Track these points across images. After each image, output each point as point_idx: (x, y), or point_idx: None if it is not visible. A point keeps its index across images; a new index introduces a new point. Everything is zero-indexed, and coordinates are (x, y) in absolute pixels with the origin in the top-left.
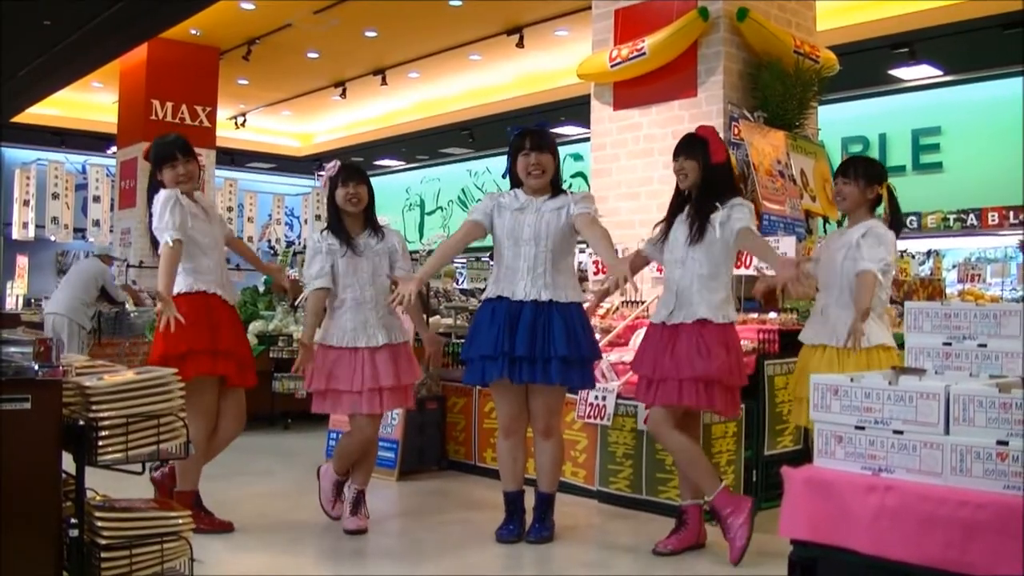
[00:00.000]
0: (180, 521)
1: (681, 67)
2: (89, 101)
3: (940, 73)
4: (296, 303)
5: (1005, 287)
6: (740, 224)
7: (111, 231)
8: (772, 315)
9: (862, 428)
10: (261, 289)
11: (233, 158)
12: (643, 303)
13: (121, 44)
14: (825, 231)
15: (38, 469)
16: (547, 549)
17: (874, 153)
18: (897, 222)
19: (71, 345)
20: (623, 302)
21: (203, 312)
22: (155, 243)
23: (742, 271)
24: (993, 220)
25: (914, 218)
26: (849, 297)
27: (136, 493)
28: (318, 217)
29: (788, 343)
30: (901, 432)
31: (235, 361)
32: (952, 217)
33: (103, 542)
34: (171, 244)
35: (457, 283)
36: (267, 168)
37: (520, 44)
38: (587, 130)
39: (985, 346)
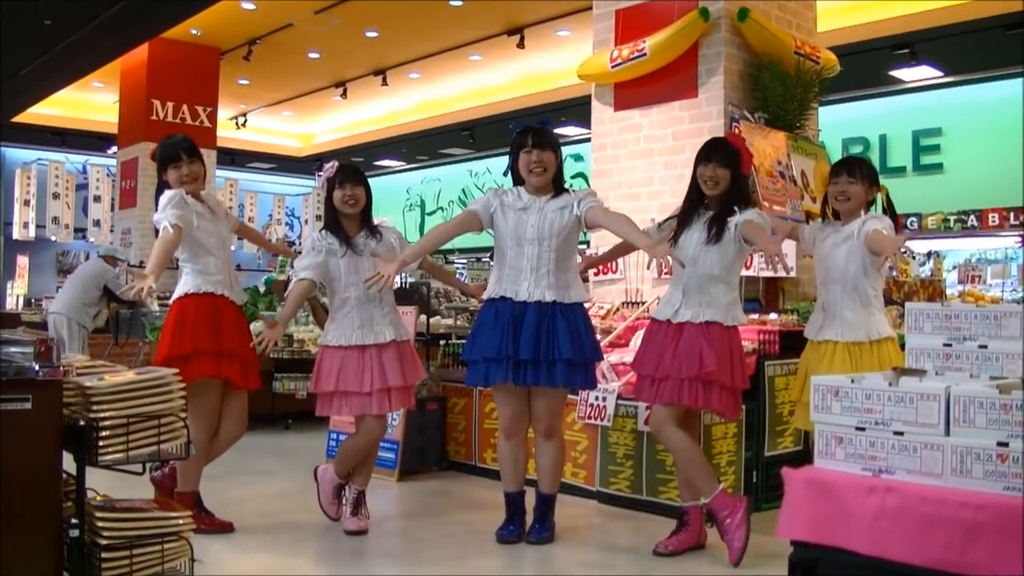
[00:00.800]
0: (181, 521)
1: (682, 68)
2: (90, 101)
3: (941, 74)
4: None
5: (1006, 288)
6: (746, 218)
7: (112, 231)
8: (773, 316)
9: (862, 429)
10: (262, 289)
11: (234, 158)
12: (643, 304)
13: (122, 44)
14: None
15: (38, 469)
16: (547, 550)
17: (875, 154)
18: (895, 225)
19: (71, 344)
20: (623, 303)
21: (210, 314)
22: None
23: (744, 272)
24: (993, 221)
25: (914, 219)
26: (854, 292)
27: (137, 493)
28: (318, 217)
29: (789, 344)
30: (901, 433)
31: (239, 363)
32: (952, 218)
33: (103, 542)
34: (170, 230)
35: None
36: (268, 168)
37: (521, 44)
38: (588, 131)
39: (986, 347)
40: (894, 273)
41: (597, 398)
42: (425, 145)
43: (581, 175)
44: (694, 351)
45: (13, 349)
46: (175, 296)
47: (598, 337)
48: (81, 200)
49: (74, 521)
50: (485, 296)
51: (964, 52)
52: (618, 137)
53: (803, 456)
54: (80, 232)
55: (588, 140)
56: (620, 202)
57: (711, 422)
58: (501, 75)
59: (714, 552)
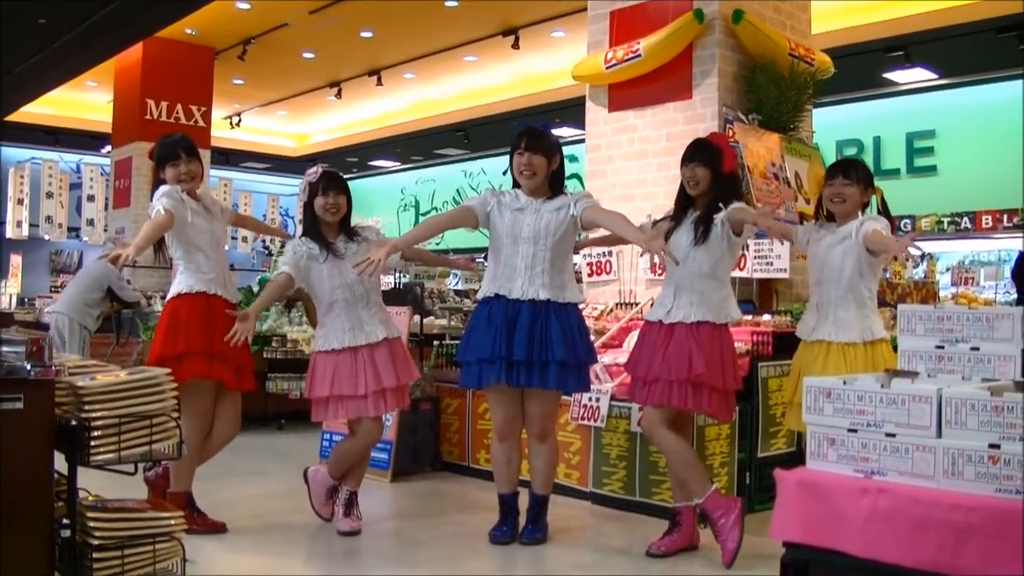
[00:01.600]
0: (172, 522)
1: (676, 69)
2: (84, 100)
3: (935, 76)
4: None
5: (999, 290)
6: (732, 207)
7: (105, 230)
8: (766, 317)
9: (854, 431)
10: (255, 289)
11: (228, 158)
12: (636, 305)
13: (116, 43)
14: None
15: (30, 469)
16: (540, 551)
17: (868, 156)
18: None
19: (72, 344)
20: (617, 304)
21: (203, 314)
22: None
23: (737, 273)
24: (987, 223)
25: (908, 221)
26: (849, 293)
27: (129, 493)
28: None
29: (782, 345)
30: (893, 435)
31: (232, 364)
32: (946, 220)
33: (95, 542)
34: (162, 212)
35: (451, 284)
36: (262, 168)
37: (516, 45)
38: (582, 132)
39: (978, 349)
40: (888, 275)
41: (590, 399)
42: (420, 145)
43: (576, 176)
44: (683, 353)
45: (5, 348)
46: (169, 296)
47: (591, 338)
48: (75, 199)
49: (66, 521)
50: (479, 295)
51: (958, 55)
52: (612, 138)
53: (796, 457)
54: (74, 231)
55: (582, 141)
56: (614, 203)
57: (704, 423)
58: (496, 76)
59: (707, 553)
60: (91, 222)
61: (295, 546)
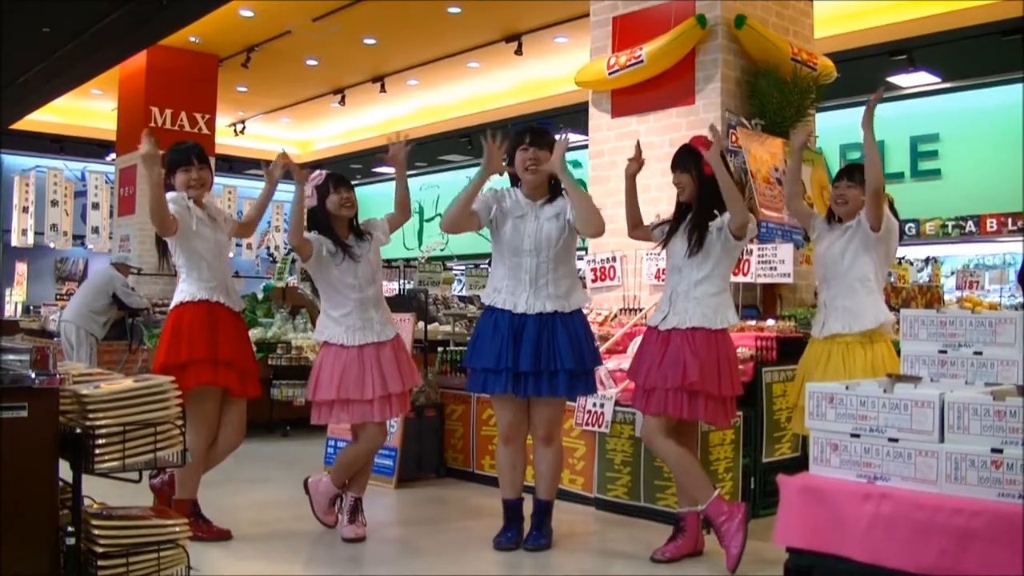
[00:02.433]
0: (177, 529)
1: (679, 75)
2: (88, 108)
3: (938, 80)
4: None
5: (1003, 294)
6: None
7: (110, 238)
8: (770, 322)
9: (857, 436)
10: (260, 296)
11: (232, 165)
12: (640, 310)
13: (120, 51)
14: None
15: (35, 477)
16: (545, 556)
17: None
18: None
19: (80, 352)
20: (621, 310)
21: (206, 322)
22: (159, 243)
23: (740, 278)
24: (991, 227)
25: (912, 225)
26: (854, 281)
27: (133, 501)
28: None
29: (786, 350)
30: (896, 440)
31: (237, 372)
32: (950, 224)
33: (100, 550)
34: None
35: (455, 290)
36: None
37: (519, 51)
38: (585, 137)
39: (981, 354)
40: (893, 279)
41: (595, 405)
42: (423, 152)
43: (579, 182)
44: (678, 361)
45: (10, 357)
46: (172, 304)
47: (596, 343)
48: (79, 207)
49: (70, 529)
50: (484, 300)
51: (961, 58)
52: (615, 144)
53: (801, 462)
54: (79, 239)
55: (586, 147)
56: (617, 208)
57: (708, 429)
58: (499, 82)
59: (711, 559)
60: (96, 230)
61: (299, 553)
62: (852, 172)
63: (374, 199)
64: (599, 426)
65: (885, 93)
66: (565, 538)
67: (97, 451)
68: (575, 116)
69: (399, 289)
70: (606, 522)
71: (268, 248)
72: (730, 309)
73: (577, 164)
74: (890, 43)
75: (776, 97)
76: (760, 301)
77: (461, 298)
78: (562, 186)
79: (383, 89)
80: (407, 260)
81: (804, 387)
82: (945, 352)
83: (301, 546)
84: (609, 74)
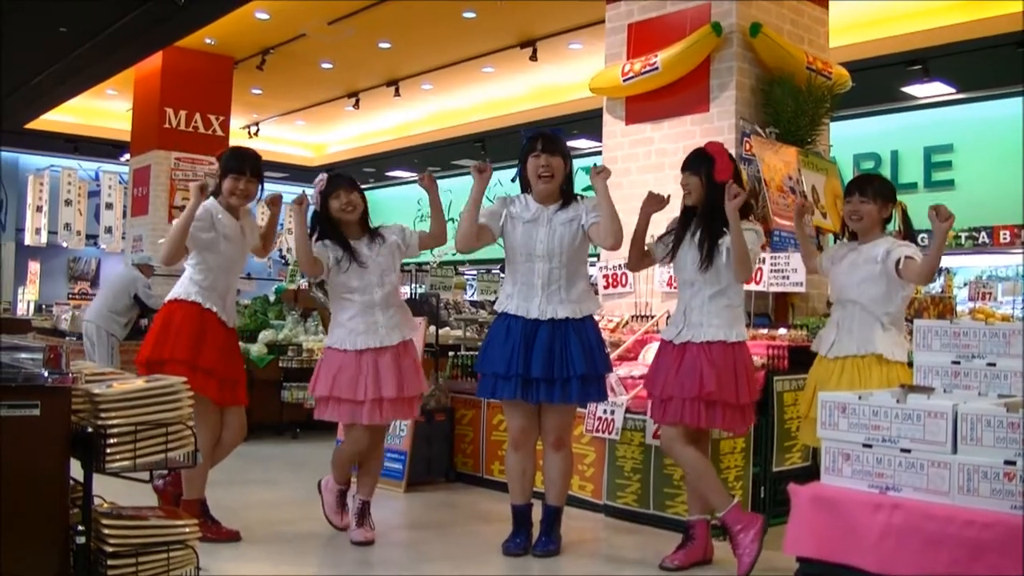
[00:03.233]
0: (187, 530)
1: (693, 82)
2: (103, 108)
3: (953, 91)
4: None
5: (1016, 305)
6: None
7: (123, 238)
8: (782, 331)
9: (869, 446)
10: (272, 298)
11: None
12: (652, 317)
13: (136, 52)
14: None
15: (46, 475)
16: (554, 563)
17: (886, 170)
18: (911, 241)
19: (100, 352)
20: (632, 316)
21: (195, 325)
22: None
23: (752, 287)
24: (1005, 238)
25: (925, 235)
26: (872, 314)
27: (144, 501)
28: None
29: (797, 359)
30: (908, 450)
31: (216, 380)
32: (964, 235)
33: (110, 549)
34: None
35: (467, 294)
36: (280, 178)
37: (533, 57)
38: (599, 144)
39: (994, 365)
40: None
41: (605, 411)
42: (437, 156)
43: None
44: (695, 371)
45: (23, 355)
46: (167, 298)
47: (607, 350)
48: (93, 207)
49: (80, 528)
50: (497, 307)
51: (976, 69)
52: (629, 151)
53: (811, 472)
54: (92, 239)
55: (599, 153)
56: (631, 216)
57: (719, 436)
58: (513, 87)
59: (721, 567)
60: (109, 230)
61: (307, 555)
62: (864, 186)
63: (387, 203)
64: (609, 433)
65: (899, 103)
66: (574, 545)
67: (108, 450)
68: (589, 122)
69: (411, 293)
70: (615, 529)
71: (280, 250)
72: (743, 326)
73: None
74: (905, 53)
75: (791, 105)
76: (772, 310)
77: (472, 303)
78: (580, 193)
79: (397, 93)
80: (419, 264)
81: (816, 398)
82: (958, 363)
83: (310, 548)
84: (624, 81)
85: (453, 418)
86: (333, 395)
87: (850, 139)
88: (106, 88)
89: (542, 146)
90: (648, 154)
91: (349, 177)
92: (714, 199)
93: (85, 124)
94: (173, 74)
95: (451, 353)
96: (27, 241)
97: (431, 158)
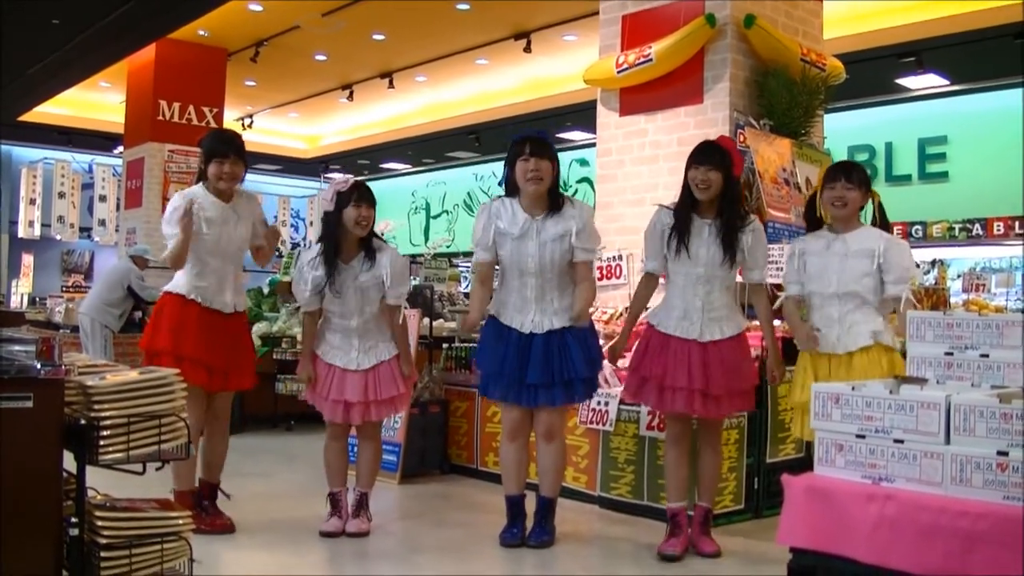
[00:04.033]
0: (180, 521)
1: (687, 74)
2: (96, 101)
3: (947, 82)
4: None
5: (1010, 297)
6: (757, 278)
7: (117, 230)
8: (776, 323)
9: (863, 437)
10: (265, 291)
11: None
12: (646, 309)
13: (129, 44)
14: None
15: (39, 468)
16: (548, 554)
17: (880, 162)
18: (887, 230)
19: (94, 344)
20: (626, 308)
21: (175, 314)
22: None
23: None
24: (998, 230)
25: (919, 227)
26: (870, 303)
27: (137, 493)
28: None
29: (791, 351)
30: (902, 441)
31: (204, 368)
32: (957, 227)
33: (103, 541)
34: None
35: (462, 286)
36: (273, 170)
37: (527, 49)
38: (593, 135)
39: (987, 356)
40: None
41: (599, 403)
42: (431, 148)
43: (586, 180)
44: (732, 366)
45: (16, 347)
46: (163, 288)
47: (600, 342)
48: (87, 199)
49: (74, 520)
50: (490, 310)
51: (970, 61)
52: (623, 142)
53: (805, 463)
54: (85, 231)
55: (593, 145)
56: (625, 207)
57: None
58: (507, 79)
59: (724, 560)
60: (103, 222)
61: (303, 546)
62: (850, 172)
63: (381, 195)
64: (603, 424)
65: (894, 95)
66: (568, 536)
67: (101, 442)
68: (583, 114)
69: None
70: (609, 520)
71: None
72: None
73: (584, 162)
74: (899, 45)
75: (785, 97)
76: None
77: (467, 295)
78: (570, 190)
79: (391, 85)
80: (413, 256)
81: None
82: (951, 354)
83: (304, 540)
84: (618, 72)
85: (447, 410)
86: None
87: (844, 131)
88: (99, 80)
89: (531, 150)
90: (642, 146)
91: (371, 190)
92: (731, 194)
93: (78, 116)
94: (166, 66)
95: (445, 345)
96: (20, 234)
97: (425, 150)
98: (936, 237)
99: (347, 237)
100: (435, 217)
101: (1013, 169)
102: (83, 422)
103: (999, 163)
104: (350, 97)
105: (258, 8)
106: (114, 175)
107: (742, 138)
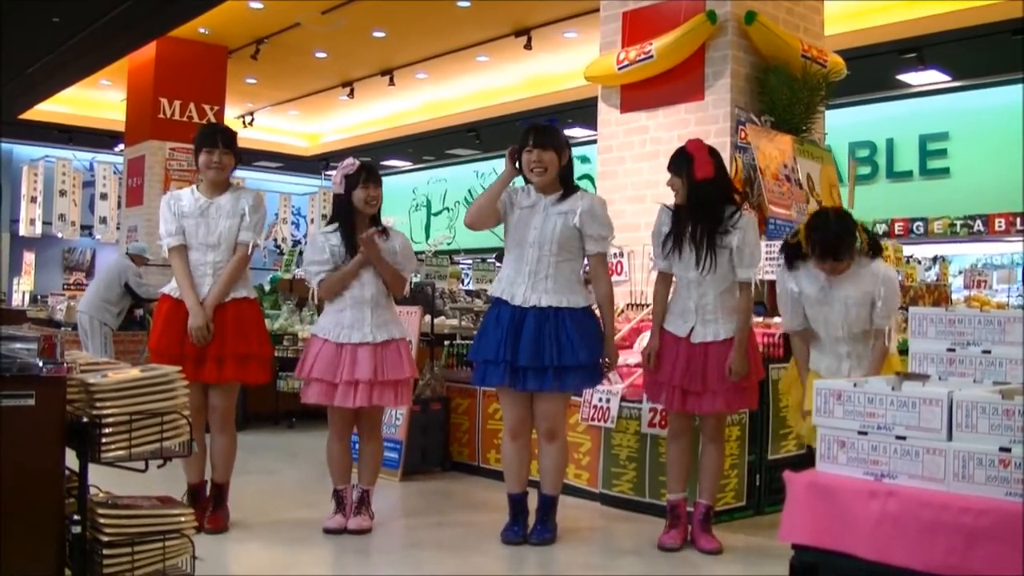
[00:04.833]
0: (182, 519)
1: (688, 70)
2: (97, 99)
3: (948, 79)
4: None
5: (1011, 293)
6: (742, 276)
7: (118, 228)
8: (776, 319)
9: (865, 433)
10: (267, 288)
11: (240, 157)
12: (647, 306)
13: (130, 42)
14: None
15: (41, 465)
16: (550, 551)
17: (881, 158)
18: (877, 250)
19: (94, 342)
20: (628, 305)
21: (160, 313)
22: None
23: None
24: (1000, 226)
25: (920, 223)
26: (863, 336)
27: (139, 491)
28: (324, 216)
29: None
30: (904, 438)
31: (190, 361)
32: (959, 223)
33: (105, 539)
34: (168, 253)
35: (463, 284)
36: (274, 167)
37: (528, 46)
38: (594, 132)
39: (989, 352)
40: (900, 276)
41: (601, 400)
42: (432, 145)
43: (587, 177)
44: (710, 363)
45: (17, 345)
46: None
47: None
48: (88, 197)
49: (76, 518)
50: (490, 292)
51: (971, 57)
52: (624, 139)
53: (806, 459)
54: (86, 229)
55: (594, 142)
56: (626, 204)
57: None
58: (508, 76)
59: (727, 556)
60: (104, 220)
61: (304, 544)
62: (838, 251)
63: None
64: (605, 421)
65: (895, 91)
66: (570, 533)
67: (104, 440)
68: (584, 111)
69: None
70: (611, 517)
71: (275, 240)
72: None
73: (585, 159)
74: (900, 41)
75: (786, 94)
76: (767, 298)
77: (468, 292)
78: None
79: (392, 82)
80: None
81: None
82: (953, 350)
83: (306, 536)
84: (618, 69)
85: (449, 407)
86: (312, 376)
87: (845, 127)
88: (100, 78)
89: (533, 140)
90: (643, 142)
91: (377, 171)
92: (697, 197)
93: (79, 114)
94: (167, 64)
95: (446, 342)
96: (22, 232)
97: (425, 147)
98: (937, 233)
99: (358, 217)
100: (436, 214)
101: (1014, 165)
102: (85, 420)
103: (1000, 159)
104: (351, 94)
105: (258, 6)
106: (115, 173)
107: (743, 135)
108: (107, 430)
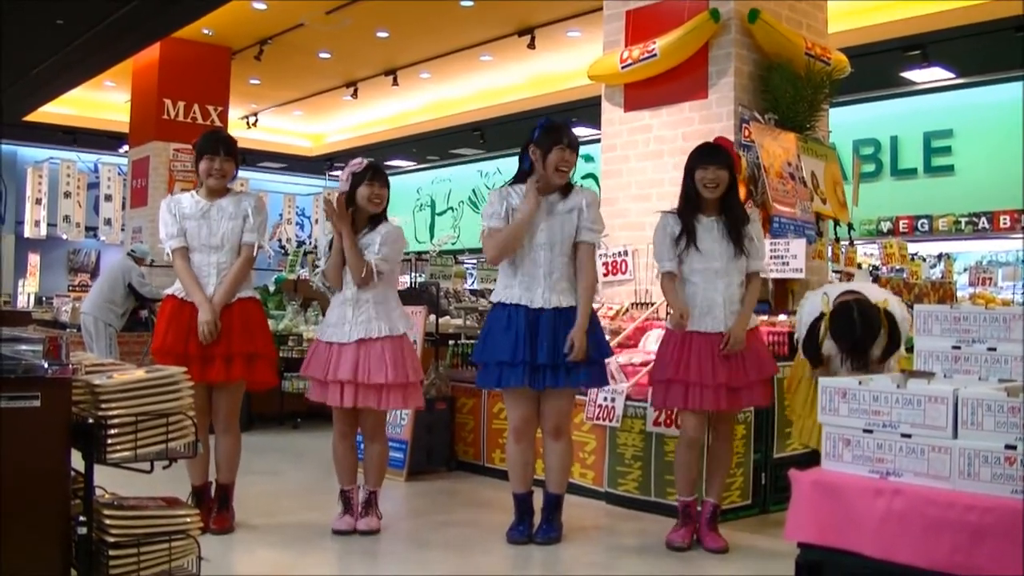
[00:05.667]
0: (188, 520)
1: (692, 69)
2: (101, 100)
3: (952, 76)
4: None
5: (1017, 290)
6: (757, 267)
7: (123, 229)
8: (782, 317)
9: (870, 431)
10: (272, 289)
11: (244, 158)
12: (652, 305)
13: (133, 43)
14: (835, 234)
15: (47, 467)
16: (555, 550)
17: (886, 156)
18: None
19: (98, 343)
20: (632, 304)
21: (163, 314)
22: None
23: None
24: (1005, 223)
25: (925, 221)
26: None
27: (145, 492)
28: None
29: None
30: (909, 435)
31: (196, 362)
32: (963, 220)
33: (111, 540)
34: (171, 256)
35: (467, 283)
36: (278, 168)
37: (531, 45)
38: (598, 131)
39: (995, 350)
40: (905, 275)
41: (606, 399)
42: (435, 145)
43: (591, 176)
44: (756, 355)
45: (23, 347)
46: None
47: (607, 338)
48: (92, 199)
49: (82, 519)
50: (495, 297)
51: (975, 54)
52: (628, 138)
53: (812, 458)
54: (91, 231)
55: (598, 141)
56: (630, 203)
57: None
58: (511, 75)
59: (732, 555)
60: (108, 221)
61: (310, 544)
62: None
63: None
64: (610, 420)
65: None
66: (575, 532)
67: (109, 441)
68: (588, 110)
69: (410, 282)
70: (616, 516)
71: (280, 241)
72: None
73: (589, 158)
74: (904, 38)
75: (789, 91)
76: (772, 296)
77: (473, 291)
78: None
79: (395, 82)
80: (419, 254)
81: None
82: (959, 348)
83: (312, 537)
84: (622, 68)
85: (454, 407)
86: (307, 373)
87: (849, 125)
88: (104, 80)
89: (569, 141)
90: (647, 141)
91: (385, 171)
92: (736, 191)
93: (83, 116)
94: (171, 65)
95: (451, 342)
96: (27, 233)
97: (429, 147)
98: (942, 231)
99: (360, 215)
100: (440, 214)
101: (1019, 162)
102: (91, 421)
103: (1005, 156)
104: (354, 95)
105: (262, 6)
106: (119, 174)
107: (747, 133)
108: (112, 431)
